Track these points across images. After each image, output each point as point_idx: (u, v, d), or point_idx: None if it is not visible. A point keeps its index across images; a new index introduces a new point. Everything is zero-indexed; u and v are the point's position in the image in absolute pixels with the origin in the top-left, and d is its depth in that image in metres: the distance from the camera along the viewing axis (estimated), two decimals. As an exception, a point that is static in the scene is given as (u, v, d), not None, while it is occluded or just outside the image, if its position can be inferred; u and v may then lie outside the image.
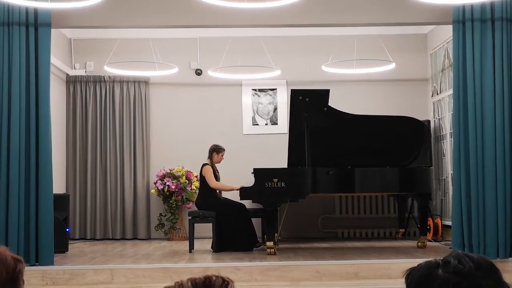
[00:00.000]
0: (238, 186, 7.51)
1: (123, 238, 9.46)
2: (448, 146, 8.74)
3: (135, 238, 9.49)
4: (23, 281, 1.82)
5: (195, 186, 9.02)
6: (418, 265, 1.51)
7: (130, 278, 6.11)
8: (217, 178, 7.88)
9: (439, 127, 9.16)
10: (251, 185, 7.29)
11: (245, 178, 8.01)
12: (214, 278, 1.22)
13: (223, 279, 1.22)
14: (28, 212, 6.32)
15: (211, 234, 7.73)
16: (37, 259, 6.32)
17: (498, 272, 1.46)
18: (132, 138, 9.64)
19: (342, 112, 7.65)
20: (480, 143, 6.50)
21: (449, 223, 7.97)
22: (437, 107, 9.30)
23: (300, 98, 7.46)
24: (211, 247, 7.68)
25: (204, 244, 8.19)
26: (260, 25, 7.35)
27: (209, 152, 7.98)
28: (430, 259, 1.52)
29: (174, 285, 1.24)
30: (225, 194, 8.14)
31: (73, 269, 6.18)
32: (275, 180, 7.08)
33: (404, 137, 7.74)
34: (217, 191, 7.89)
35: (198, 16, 6.81)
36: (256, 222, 8.14)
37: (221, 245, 7.57)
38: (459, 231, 6.56)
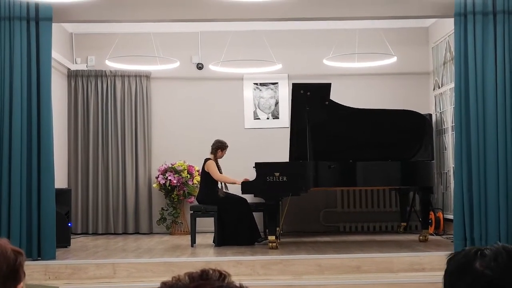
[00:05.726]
0: (240, 180, 7.49)
1: (125, 233, 9.47)
2: (449, 139, 8.73)
3: (137, 232, 9.50)
4: (24, 274, 1.82)
5: (197, 181, 9.02)
6: (462, 250, 1.48)
7: (132, 272, 6.11)
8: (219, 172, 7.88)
9: (441, 120, 9.15)
10: (253, 179, 7.29)
11: (246, 172, 8.00)
12: (211, 271, 1.22)
13: (220, 273, 1.22)
14: (30, 207, 6.33)
15: (213, 228, 7.73)
16: (39, 254, 6.34)
17: None
18: (134, 132, 9.64)
19: (343, 106, 7.63)
20: (482, 137, 6.48)
21: (450, 217, 7.97)
22: (438, 101, 9.28)
23: (302, 92, 7.44)
24: (213, 241, 7.69)
25: (206, 238, 8.20)
26: (261, 19, 7.33)
27: (214, 148, 7.94)
28: (471, 247, 1.49)
29: (171, 279, 1.24)
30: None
31: (75, 263, 6.19)
32: (277, 174, 7.07)
33: (405, 131, 7.72)
34: (219, 186, 7.88)
35: (200, 10, 6.80)
36: (258, 216, 8.14)
37: (223, 239, 7.58)
38: (461, 224, 6.55)
